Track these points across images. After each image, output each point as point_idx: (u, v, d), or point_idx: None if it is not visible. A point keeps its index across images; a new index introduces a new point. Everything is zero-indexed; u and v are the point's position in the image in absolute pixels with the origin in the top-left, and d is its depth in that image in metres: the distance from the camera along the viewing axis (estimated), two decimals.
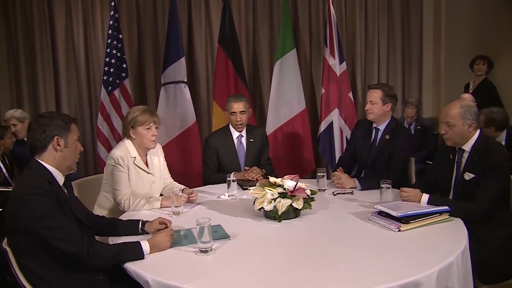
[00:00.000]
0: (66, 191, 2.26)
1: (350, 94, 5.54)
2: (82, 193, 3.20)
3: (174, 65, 5.10)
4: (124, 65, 5.21)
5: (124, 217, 2.81)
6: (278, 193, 2.64)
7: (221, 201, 3.20)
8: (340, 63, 5.43)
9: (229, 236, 2.41)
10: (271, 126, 5.43)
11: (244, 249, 2.30)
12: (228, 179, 3.25)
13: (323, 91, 5.46)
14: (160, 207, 3.01)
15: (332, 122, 5.44)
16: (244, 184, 3.48)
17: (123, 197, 3.00)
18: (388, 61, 6.41)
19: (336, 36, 5.35)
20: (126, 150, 3.12)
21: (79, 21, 5.69)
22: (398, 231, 2.42)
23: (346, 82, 5.52)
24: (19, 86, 5.70)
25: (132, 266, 2.08)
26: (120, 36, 5.19)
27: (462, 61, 5.85)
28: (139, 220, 2.54)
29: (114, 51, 5.09)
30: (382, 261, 2.07)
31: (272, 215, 2.66)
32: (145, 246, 2.20)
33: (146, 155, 3.24)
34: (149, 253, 2.19)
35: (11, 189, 3.73)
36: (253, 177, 3.67)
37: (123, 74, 5.19)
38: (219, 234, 2.43)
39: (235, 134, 3.96)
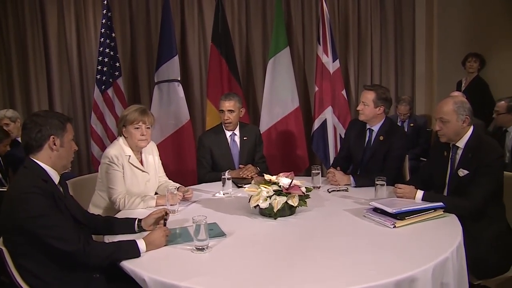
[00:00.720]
0: (61, 190, 2.25)
1: (344, 92, 5.56)
2: (77, 192, 3.18)
3: (168, 63, 5.09)
4: (118, 64, 5.19)
5: (119, 216, 2.80)
6: (274, 191, 2.65)
7: (216, 199, 3.20)
8: (333, 61, 5.44)
9: (225, 234, 2.42)
10: (264, 124, 5.44)
11: (240, 246, 2.30)
12: (223, 177, 3.25)
13: (316, 89, 5.47)
14: (155, 206, 3.00)
15: (325, 120, 5.46)
16: (239, 182, 3.48)
17: (118, 196, 2.99)
18: (381, 58, 6.44)
19: (329, 33, 5.36)
20: (120, 148, 3.11)
21: (72, 20, 5.67)
22: (393, 227, 2.43)
23: (339, 80, 5.53)
24: (11, 86, 5.67)
25: (128, 265, 2.07)
26: (113, 34, 5.17)
27: (454, 58, 5.89)
28: (135, 218, 2.55)
29: (107, 50, 5.08)
30: (377, 257, 2.08)
31: (267, 213, 2.66)
32: (141, 244, 2.19)
33: (141, 154, 3.24)
34: (145, 251, 2.19)
35: (5, 189, 3.71)
36: (248, 175, 3.67)
37: (117, 73, 5.18)
38: (215, 232, 2.43)
39: (228, 132, 3.96)
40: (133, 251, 2.16)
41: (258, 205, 2.64)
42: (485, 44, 5.71)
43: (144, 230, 2.49)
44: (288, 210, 2.69)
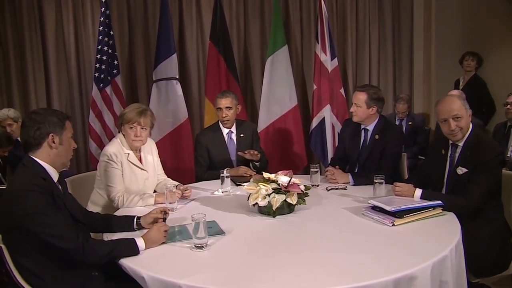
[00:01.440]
0: (60, 187, 2.25)
1: (342, 90, 5.56)
2: (75, 190, 3.18)
3: (166, 61, 5.09)
4: (116, 62, 5.19)
5: (118, 214, 2.79)
6: (272, 189, 2.65)
7: (215, 197, 3.21)
8: (332, 59, 5.44)
9: (224, 232, 2.42)
10: (263, 122, 5.44)
11: (239, 244, 2.30)
12: (221, 175, 3.25)
13: (314, 87, 5.47)
14: (154, 204, 3.00)
15: (324, 118, 5.45)
16: (237, 180, 3.48)
17: (116, 194, 2.99)
18: (379, 57, 6.45)
19: (327, 32, 5.36)
20: (119, 146, 3.11)
21: (70, 18, 5.66)
22: (392, 225, 2.43)
23: (337, 78, 5.53)
24: (9, 84, 5.65)
25: (127, 263, 2.07)
26: (111, 32, 5.16)
27: (452, 57, 5.90)
28: (134, 216, 2.54)
29: (105, 48, 5.07)
30: (376, 255, 2.08)
31: (266, 211, 2.66)
32: (140, 242, 2.19)
33: (139, 152, 3.23)
34: (144, 249, 2.19)
35: (4, 187, 3.70)
36: (246, 173, 3.67)
37: (115, 71, 5.18)
38: (214, 230, 2.43)
39: (225, 130, 3.97)
40: (132, 249, 2.16)
41: (257, 203, 2.64)
42: (483, 43, 5.71)
43: (143, 228, 2.49)
44: (287, 208, 2.69)
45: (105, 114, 5.14)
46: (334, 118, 5.49)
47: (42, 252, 2.06)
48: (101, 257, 2.11)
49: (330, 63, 5.41)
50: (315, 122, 5.49)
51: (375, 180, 2.98)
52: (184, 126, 5.23)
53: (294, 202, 2.65)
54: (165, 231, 2.31)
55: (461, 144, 2.85)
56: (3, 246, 2.08)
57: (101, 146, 5.07)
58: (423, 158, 5.28)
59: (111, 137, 4.98)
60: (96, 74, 5.10)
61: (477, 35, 5.79)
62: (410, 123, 5.73)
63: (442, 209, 2.61)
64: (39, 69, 5.65)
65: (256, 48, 6.11)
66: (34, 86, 5.64)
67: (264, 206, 2.63)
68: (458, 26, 6.03)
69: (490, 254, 2.67)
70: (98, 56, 5.09)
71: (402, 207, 2.51)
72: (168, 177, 3.50)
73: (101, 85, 5.10)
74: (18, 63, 5.62)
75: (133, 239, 2.20)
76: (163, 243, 2.28)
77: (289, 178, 2.70)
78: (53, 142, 2.16)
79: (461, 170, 2.80)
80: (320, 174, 3.46)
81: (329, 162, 4.44)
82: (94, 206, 3.16)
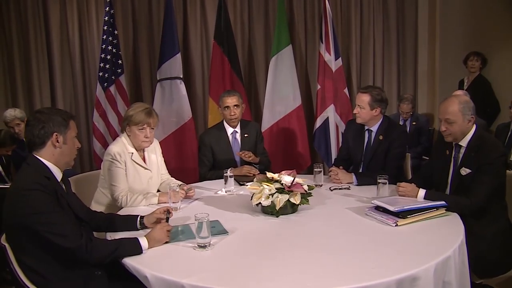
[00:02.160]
0: (64, 187, 2.26)
1: (346, 90, 5.56)
2: (79, 189, 3.19)
3: (170, 61, 5.08)
4: (120, 61, 5.19)
5: (121, 213, 2.81)
6: (276, 189, 2.65)
7: (218, 197, 3.21)
8: (336, 59, 5.44)
9: (227, 232, 2.42)
10: (266, 122, 5.45)
11: (242, 244, 2.30)
12: (225, 175, 3.26)
13: (318, 87, 5.47)
14: (158, 203, 3.01)
15: (327, 118, 5.45)
16: (241, 180, 3.48)
17: (120, 193, 3.00)
18: (383, 57, 6.44)
19: (331, 32, 5.36)
20: (123, 146, 3.11)
21: (74, 17, 5.67)
22: (396, 225, 2.43)
23: (341, 78, 5.53)
24: (13, 84, 5.67)
25: (131, 262, 2.08)
26: (116, 32, 5.17)
27: (456, 57, 5.89)
28: (138, 215, 2.55)
29: (110, 47, 5.07)
30: (380, 255, 2.08)
31: (269, 211, 2.67)
32: (143, 241, 2.20)
33: (143, 151, 3.24)
34: (147, 248, 2.19)
35: (8, 186, 3.72)
36: (249, 172, 3.68)
37: (119, 70, 5.18)
38: (217, 229, 2.43)
39: (229, 130, 3.97)
40: (135, 248, 2.16)
41: (260, 203, 2.64)
42: (487, 43, 5.70)
43: (146, 228, 2.49)
44: (290, 208, 2.69)
45: (109, 113, 5.14)
46: (338, 118, 5.49)
47: (46, 251, 2.06)
48: (104, 256, 2.11)
49: (334, 63, 5.40)
50: (319, 122, 5.49)
51: (378, 180, 2.98)
52: (188, 126, 5.23)
53: (298, 202, 2.65)
54: (168, 230, 2.31)
55: (464, 144, 2.85)
56: (6, 245, 2.10)
57: (105, 145, 5.08)
58: (427, 158, 5.27)
59: (115, 136, 4.98)
60: (100, 74, 5.10)
61: (481, 35, 5.78)
62: (414, 123, 5.72)
63: (445, 210, 2.60)
64: (44, 68, 5.67)
65: (260, 48, 6.11)
66: (38, 85, 5.66)
67: (268, 206, 2.63)
68: (462, 26, 6.02)
69: (494, 255, 2.67)
70: (103, 56, 5.09)
71: (405, 207, 2.51)
72: (171, 176, 3.50)
73: (105, 84, 5.10)
74: (22, 63, 5.64)
75: (136, 238, 2.21)
76: (166, 242, 2.28)
77: (292, 178, 2.70)
78: (57, 141, 2.17)
79: (464, 171, 2.79)
80: (324, 174, 3.45)
81: (332, 162, 4.44)
82: (98, 205, 3.17)
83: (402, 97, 5.81)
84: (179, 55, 5.10)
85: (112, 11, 5.11)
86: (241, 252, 2.20)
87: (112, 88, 5.13)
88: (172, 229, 2.36)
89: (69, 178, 2.48)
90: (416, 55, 6.55)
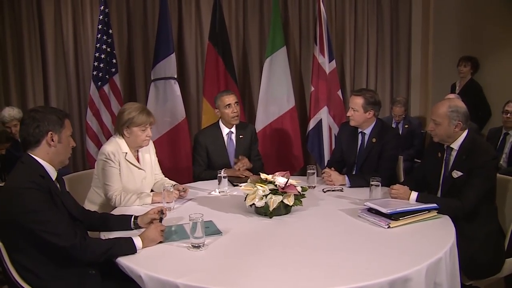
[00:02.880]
0: (58, 186, 2.26)
1: (339, 92, 5.58)
2: (73, 188, 3.16)
3: (164, 61, 5.07)
4: (114, 61, 5.18)
5: (115, 212, 2.82)
6: (270, 190, 2.67)
7: (212, 197, 3.22)
8: (330, 61, 5.45)
9: (221, 232, 2.43)
10: (260, 123, 5.45)
11: (236, 244, 2.31)
12: (219, 175, 3.27)
13: (312, 88, 5.49)
14: (151, 203, 3.01)
15: (321, 119, 5.47)
16: (234, 181, 3.49)
17: (114, 193, 3.00)
18: (377, 60, 6.49)
19: (326, 34, 5.38)
20: (117, 145, 3.11)
21: (68, 16, 5.66)
22: (388, 227, 2.46)
23: (335, 80, 5.55)
24: (6, 82, 5.65)
25: (125, 261, 2.09)
26: (110, 31, 5.15)
27: (449, 61, 5.94)
28: (132, 215, 2.55)
29: (104, 46, 5.06)
30: (372, 257, 2.10)
31: (263, 211, 2.68)
32: (137, 241, 2.21)
33: (137, 151, 3.24)
34: (142, 248, 2.20)
35: (1, 185, 3.70)
36: (242, 173, 3.69)
37: (113, 70, 5.17)
38: (211, 229, 2.44)
39: (225, 130, 3.98)
40: (129, 248, 2.17)
41: (254, 203, 2.66)
42: (480, 47, 5.74)
43: (140, 227, 2.50)
44: (283, 209, 2.70)
45: (103, 112, 5.13)
46: (331, 119, 5.51)
47: (40, 250, 2.07)
48: (98, 255, 2.12)
49: (328, 65, 5.42)
50: (312, 124, 5.51)
51: (371, 183, 3.00)
52: (181, 126, 5.22)
53: (291, 203, 2.67)
54: (162, 230, 2.32)
55: (456, 147, 2.88)
56: (0, 243, 2.09)
57: (99, 144, 5.07)
58: (419, 161, 5.31)
59: (108, 135, 4.98)
60: (94, 73, 5.09)
61: (475, 39, 5.82)
62: (406, 126, 5.76)
63: (437, 212, 2.63)
64: (37, 67, 5.65)
65: (255, 49, 6.13)
66: (32, 84, 5.64)
67: (261, 206, 2.65)
68: (456, 30, 6.07)
69: (484, 257, 2.70)
70: (97, 55, 5.08)
71: (397, 209, 2.53)
72: (165, 176, 3.50)
73: (99, 83, 5.09)
74: (16, 61, 5.62)
75: (131, 238, 2.22)
76: (160, 242, 2.29)
77: (286, 179, 2.72)
78: (52, 140, 2.17)
79: (456, 174, 2.83)
80: (317, 176, 3.47)
81: (325, 163, 4.46)
82: (91, 204, 3.17)
83: (395, 100, 5.85)
84: (173, 55, 5.10)
85: (107, 10, 5.11)
86: (235, 252, 2.21)
87: (106, 87, 5.12)
88: (166, 229, 2.37)
89: (62, 177, 2.48)
90: (410, 58, 6.60)
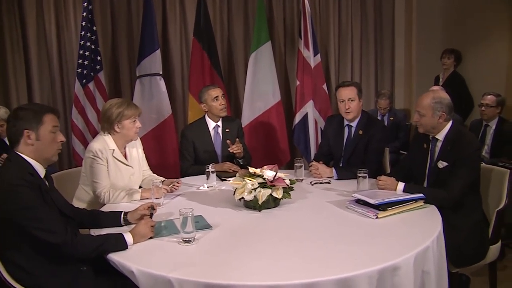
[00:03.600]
0: (47, 183, 2.25)
1: (325, 86, 5.62)
2: (59, 187, 3.07)
3: (149, 57, 5.07)
4: (99, 58, 5.15)
5: (104, 209, 2.79)
6: (258, 183, 2.69)
7: (201, 192, 3.23)
8: (315, 55, 5.49)
9: (211, 226, 2.45)
10: (246, 118, 5.47)
11: (226, 238, 2.33)
12: (207, 170, 3.28)
13: (298, 83, 5.52)
14: (140, 199, 3.02)
15: (306, 113, 5.51)
16: (222, 176, 3.51)
17: (102, 190, 3.00)
18: (361, 53, 6.54)
19: (310, 28, 5.41)
20: (104, 142, 3.10)
21: (51, 13, 5.56)
22: (376, 218, 2.49)
23: (320, 74, 5.59)
24: None
25: (116, 257, 2.09)
26: (94, 28, 5.12)
27: (432, 54, 6.01)
28: (121, 211, 2.56)
29: (88, 44, 5.02)
30: (361, 246, 2.13)
31: (252, 205, 2.70)
32: (128, 237, 2.21)
33: (124, 148, 3.24)
34: (132, 243, 2.21)
35: None
36: (230, 168, 3.71)
37: (98, 67, 5.14)
38: (201, 224, 2.46)
39: (211, 124, 3.99)
40: (120, 244, 2.18)
41: (243, 197, 2.68)
42: (463, 40, 5.83)
43: (130, 224, 2.51)
44: (272, 202, 2.73)
45: (88, 110, 5.09)
46: (317, 113, 5.54)
47: (31, 247, 2.06)
48: (90, 251, 2.12)
49: (313, 59, 5.46)
50: (298, 118, 5.54)
51: (358, 174, 3.03)
52: (167, 122, 5.22)
53: (280, 196, 2.69)
54: (152, 226, 2.33)
55: (441, 138, 2.93)
56: None
57: (84, 142, 5.04)
58: (405, 153, 5.37)
59: (94, 133, 4.95)
60: (79, 70, 5.05)
61: (457, 32, 5.90)
62: (391, 118, 5.82)
63: (423, 202, 2.67)
64: (20, 66, 5.53)
65: (240, 44, 6.13)
66: (14, 83, 5.52)
67: (250, 200, 2.67)
68: (439, 23, 6.14)
69: (470, 245, 2.76)
70: (81, 52, 5.04)
71: (385, 200, 2.57)
72: (153, 173, 3.50)
73: (84, 81, 5.05)
74: None
75: (121, 234, 2.22)
76: (151, 237, 2.30)
77: (274, 173, 2.74)
78: (29, 138, 2.15)
79: (441, 164, 2.88)
80: (304, 169, 3.50)
81: (312, 157, 4.48)
82: (79, 202, 3.15)
83: (380, 92, 5.90)
84: (158, 52, 5.09)
85: (90, 7, 5.06)
86: (225, 246, 2.22)
87: (91, 85, 5.08)
88: (156, 224, 2.38)
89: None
90: (394, 51, 6.66)
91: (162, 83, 5.14)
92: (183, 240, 2.23)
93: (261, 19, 5.43)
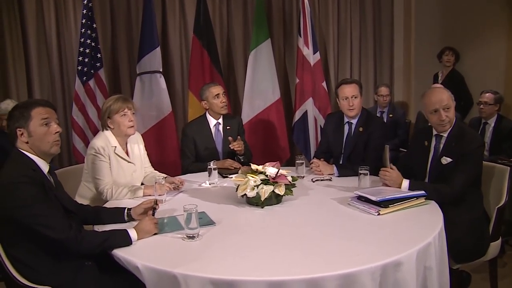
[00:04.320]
0: (51, 179, 2.26)
1: (324, 84, 5.64)
2: (62, 183, 3.15)
3: (149, 55, 5.07)
4: (99, 55, 5.15)
5: (107, 206, 2.82)
6: (261, 180, 2.70)
7: (203, 189, 3.24)
8: (314, 52, 5.51)
9: (214, 222, 2.46)
10: (246, 116, 5.48)
11: (229, 234, 2.34)
12: (208, 167, 3.29)
13: (297, 80, 5.54)
14: (143, 196, 3.03)
15: (306, 111, 5.53)
16: (224, 172, 3.52)
17: (105, 187, 3.01)
18: (360, 51, 6.56)
19: (310, 25, 5.42)
20: (106, 139, 3.12)
21: (51, 10, 5.55)
22: (378, 215, 2.51)
23: (319, 72, 5.61)
24: None
25: (121, 253, 2.10)
26: (94, 25, 5.11)
27: (431, 52, 6.04)
28: (125, 207, 2.57)
29: (88, 41, 5.02)
30: (363, 243, 2.14)
31: (254, 202, 2.71)
32: (132, 233, 2.22)
33: (126, 144, 3.25)
34: (137, 239, 2.22)
35: None
36: (231, 165, 3.72)
37: (98, 64, 5.13)
38: (204, 220, 2.47)
39: (212, 122, 4.00)
40: (124, 240, 2.18)
41: (245, 194, 2.69)
42: (461, 38, 5.85)
43: (133, 220, 2.52)
44: (274, 199, 2.74)
45: (89, 107, 5.09)
46: (317, 111, 5.56)
47: (35, 243, 2.07)
48: (94, 247, 2.13)
49: (312, 57, 5.48)
50: (297, 115, 5.56)
51: (360, 172, 3.05)
52: (168, 120, 5.23)
53: (282, 193, 2.70)
54: (156, 222, 2.34)
55: (445, 135, 2.95)
56: None
57: (85, 140, 5.05)
58: (404, 150, 5.39)
59: (95, 130, 4.95)
60: (79, 68, 5.05)
61: (455, 30, 5.93)
62: (390, 115, 5.83)
63: (425, 198, 2.69)
64: (20, 63, 5.52)
65: (240, 42, 6.13)
66: (15, 80, 5.51)
67: (253, 197, 2.68)
68: (437, 22, 6.17)
69: (470, 241, 2.78)
70: (81, 49, 5.03)
71: (387, 197, 2.58)
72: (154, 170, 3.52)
73: (84, 78, 5.05)
74: None
75: (126, 230, 2.23)
76: (155, 234, 2.31)
77: (277, 170, 2.75)
78: (22, 136, 2.17)
79: (445, 160, 2.90)
80: (306, 166, 3.51)
81: (311, 155, 4.50)
82: (82, 199, 3.17)
83: (379, 84, 5.93)
84: (158, 49, 5.10)
85: (90, 4, 5.05)
86: (229, 242, 2.23)
87: (91, 82, 5.08)
88: (158, 221, 2.39)
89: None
90: (392, 49, 6.69)
91: (162, 81, 5.15)
92: (187, 236, 2.24)
93: (261, 16, 5.44)
